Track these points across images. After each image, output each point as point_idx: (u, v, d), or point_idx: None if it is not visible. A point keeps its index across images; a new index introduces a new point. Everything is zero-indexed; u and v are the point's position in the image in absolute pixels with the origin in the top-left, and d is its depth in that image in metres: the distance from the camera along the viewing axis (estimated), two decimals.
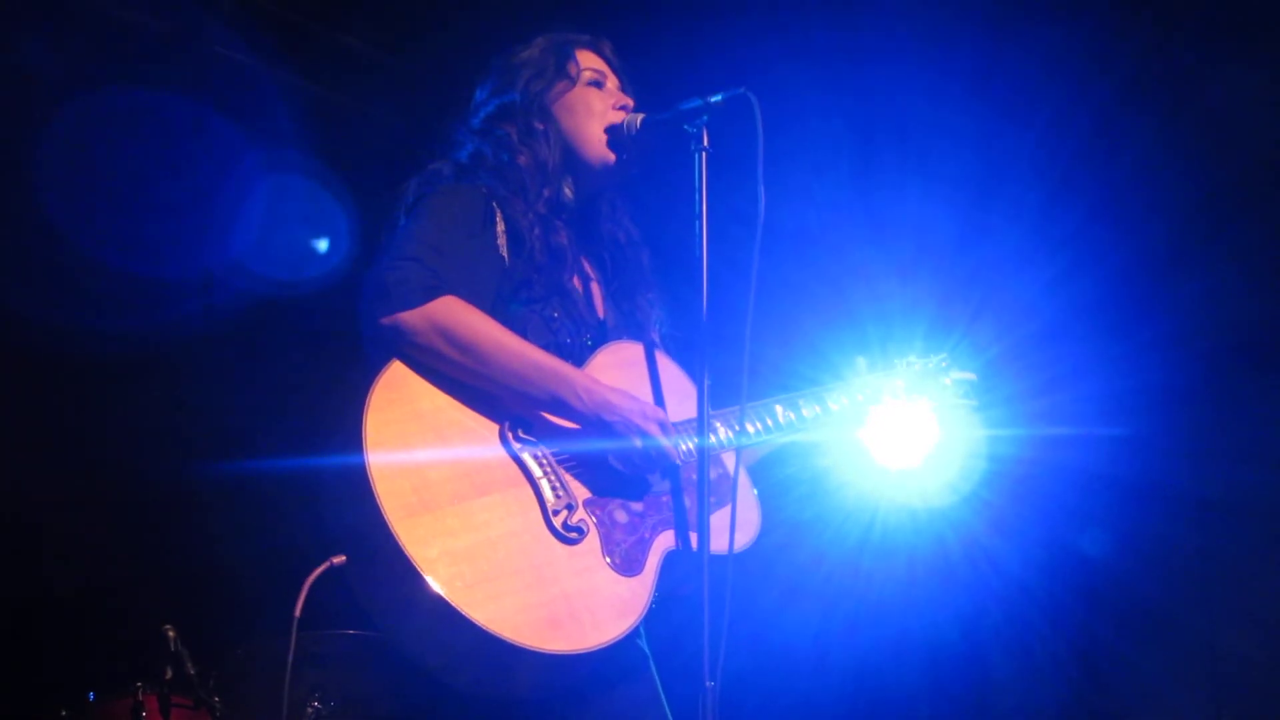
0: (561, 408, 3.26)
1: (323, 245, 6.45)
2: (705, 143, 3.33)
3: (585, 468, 3.29)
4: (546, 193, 3.55)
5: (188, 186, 5.95)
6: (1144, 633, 6.02)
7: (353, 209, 6.18)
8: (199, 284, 6.03)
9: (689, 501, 3.37)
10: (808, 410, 3.75)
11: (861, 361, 4.00)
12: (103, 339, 5.64)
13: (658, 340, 3.68)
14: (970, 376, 4.07)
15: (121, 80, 5.60)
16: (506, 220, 3.43)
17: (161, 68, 5.72)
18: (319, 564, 4.09)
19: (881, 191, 5.98)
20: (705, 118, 3.35)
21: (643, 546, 3.27)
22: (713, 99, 3.35)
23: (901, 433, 4.02)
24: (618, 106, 3.66)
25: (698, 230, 3.25)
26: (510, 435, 3.23)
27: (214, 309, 6.00)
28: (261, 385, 6.11)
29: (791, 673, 6.11)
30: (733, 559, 3.16)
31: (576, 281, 3.57)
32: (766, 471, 3.87)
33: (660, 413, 3.35)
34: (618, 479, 3.32)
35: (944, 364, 4.05)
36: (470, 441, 3.18)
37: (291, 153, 6.04)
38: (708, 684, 2.96)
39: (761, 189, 3.22)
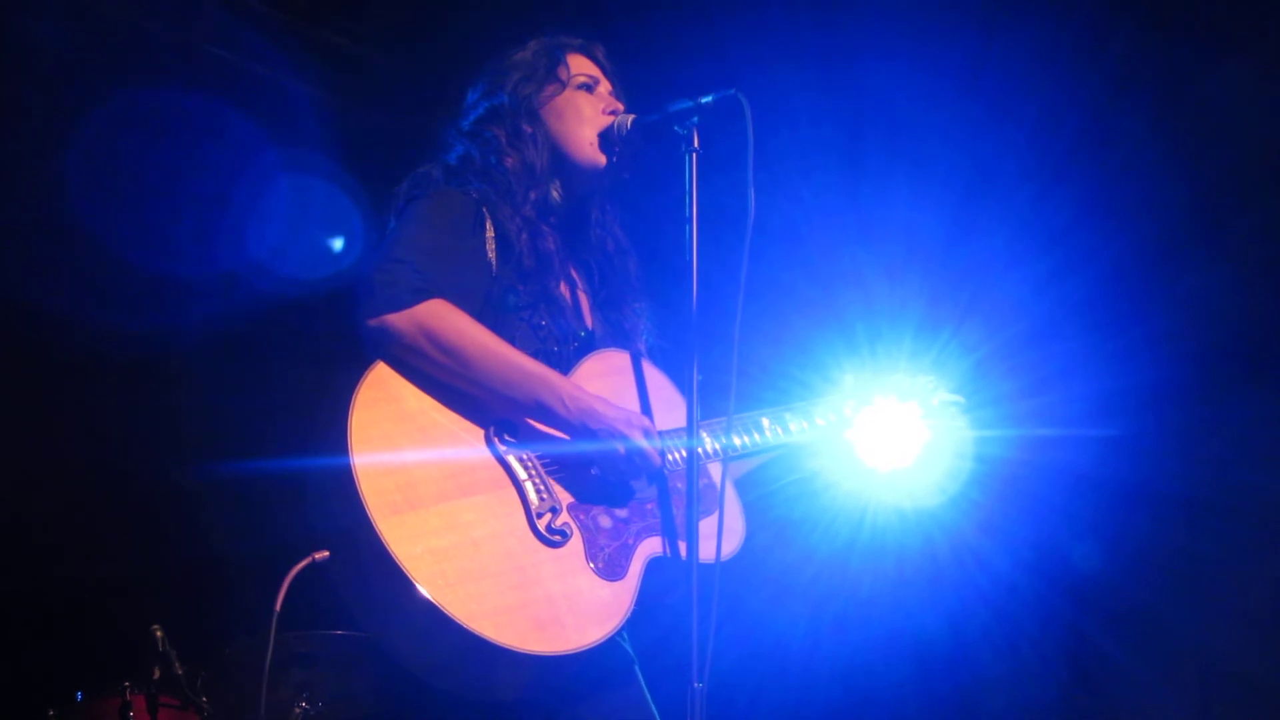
0: (546, 414, 3.26)
1: (338, 244, 6.45)
2: (695, 144, 3.33)
3: (570, 472, 3.29)
4: (534, 195, 3.55)
5: (203, 186, 5.96)
6: (1132, 633, 6.02)
7: (366, 209, 6.18)
8: (201, 284, 6.02)
9: (674, 509, 3.38)
10: (794, 425, 3.76)
11: (849, 377, 3.99)
12: (99, 335, 5.65)
13: (644, 350, 3.68)
14: (958, 399, 4.06)
15: (129, 83, 5.60)
16: (495, 225, 3.44)
17: (169, 74, 5.72)
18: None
19: (870, 191, 5.97)
20: (695, 119, 3.35)
21: (626, 552, 3.27)
22: (703, 100, 3.35)
23: (890, 434, 4.02)
24: (607, 111, 3.65)
25: (688, 232, 3.25)
26: (496, 438, 3.24)
27: (210, 308, 6.00)
28: (249, 385, 6.11)
29: (780, 672, 6.10)
30: (719, 567, 3.16)
31: (563, 288, 3.57)
32: (755, 473, 3.87)
33: (645, 420, 3.35)
34: (602, 485, 3.33)
35: (931, 386, 4.04)
36: (455, 443, 3.20)
37: (303, 152, 6.05)
38: (695, 685, 2.95)
39: (751, 190, 3.22)
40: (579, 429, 3.26)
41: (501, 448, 3.23)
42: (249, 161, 5.92)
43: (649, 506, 3.37)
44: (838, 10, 5.65)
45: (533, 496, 3.19)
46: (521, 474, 3.22)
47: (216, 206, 6.05)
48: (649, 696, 3.41)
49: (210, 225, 6.06)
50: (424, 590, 2.95)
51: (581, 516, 3.25)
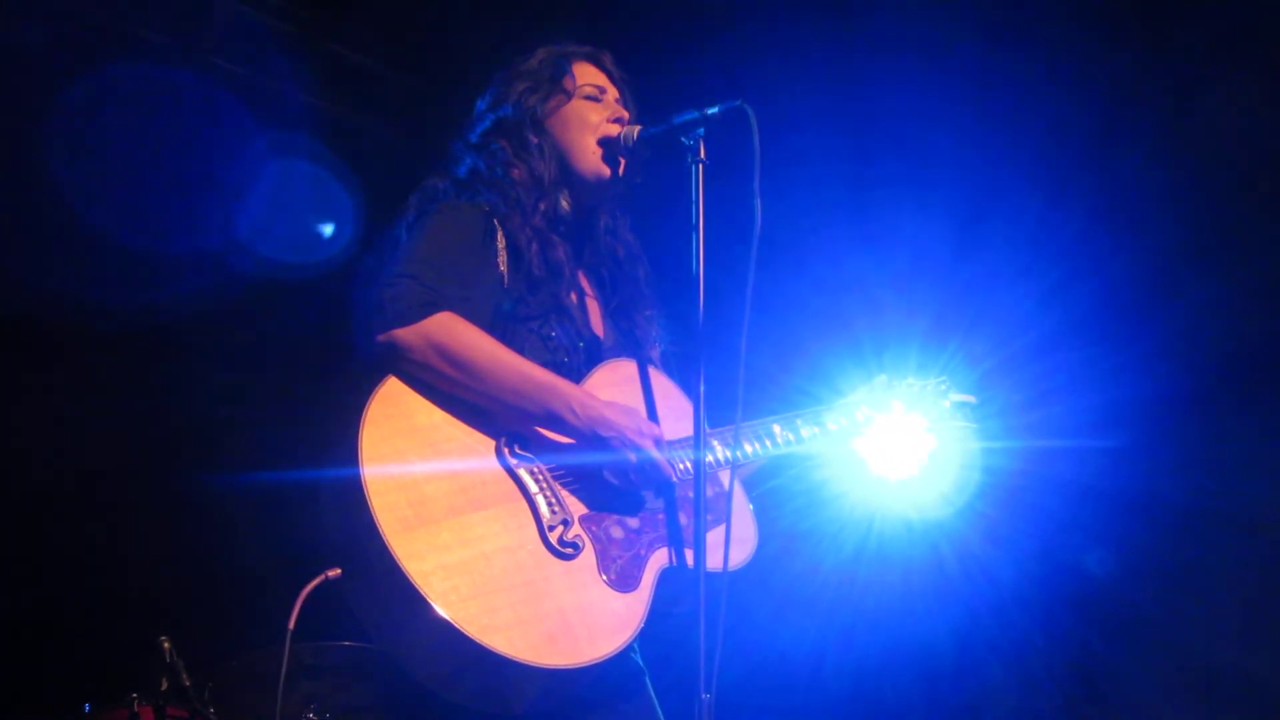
0: (556, 423, 3.27)
1: (328, 230, 6.46)
2: (702, 154, 3.34)
3: (581, 483, 3.30)
4: (543, 206, 3.56)
5: (197, 173, 5.97)
6: (1138, 644, 6.00)
7: (360, 204, 6.19)
8: (212, 279, 6.03)
9: (685, 518, 3.39)
10: (806, 430, 3.76)
11: (860, 382, 4.00)
12: (105, 341, 5.65)
13: (656, 358, 3.69)
14: (970, 399, 4.06)
15: (132, 89, 5.62)
16: (506, 236, 3.45)
17: (169, 78, 5.74)
18: (315, 576, 4.08)
19: (877, 204, 5.98)
20: (701, 130, 3.36)
21: (639, 563, 3.28)
22: (709, 111, 3.37)
23: (897, 445, 4.03)
24: (613, 119, 3.66)
25: (694, 242, 3.26)
26: (506, 450, 3.25)
27: (220, 310, 6.00)
28: (259, 396, 6.11)
29: (787, 682, 6.10)
30: (728, 576, 3.16)
31: (574, 298, 3.57)
32: (762, 481, 3.87)
33: (655, 428, 3.35)
34: (614, 495, 3.33)
35: (943, 386, 4.05)
36: (466, 456, 3.20)
37: (303, 158, 6.07)
38: (703, 696, 2.96)
39: (758, 201, 3.23)
40: (589, 437, 3.27)
41: (512, 460, 3.24)
42: (259, 168, 5.94)
43: (661, 516, 3.38)
44: (844, 23, 5.66)
45: (544, 509, 3.20)
46: (533, 486, 3.22)
47: (218, 214, 6.07)
48: (659, 708, 3.42)
49: (214, 229, 6.07)
50: (436, 606, 2.96)
51: (594, 528, 3.26)
